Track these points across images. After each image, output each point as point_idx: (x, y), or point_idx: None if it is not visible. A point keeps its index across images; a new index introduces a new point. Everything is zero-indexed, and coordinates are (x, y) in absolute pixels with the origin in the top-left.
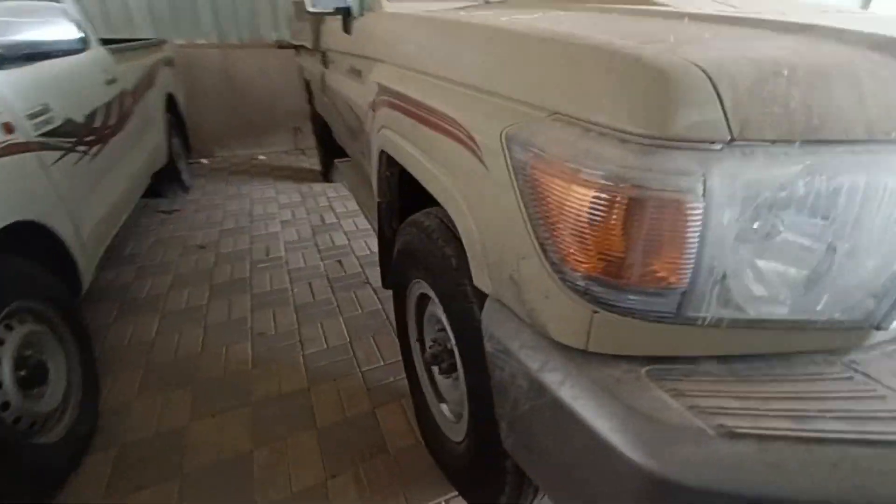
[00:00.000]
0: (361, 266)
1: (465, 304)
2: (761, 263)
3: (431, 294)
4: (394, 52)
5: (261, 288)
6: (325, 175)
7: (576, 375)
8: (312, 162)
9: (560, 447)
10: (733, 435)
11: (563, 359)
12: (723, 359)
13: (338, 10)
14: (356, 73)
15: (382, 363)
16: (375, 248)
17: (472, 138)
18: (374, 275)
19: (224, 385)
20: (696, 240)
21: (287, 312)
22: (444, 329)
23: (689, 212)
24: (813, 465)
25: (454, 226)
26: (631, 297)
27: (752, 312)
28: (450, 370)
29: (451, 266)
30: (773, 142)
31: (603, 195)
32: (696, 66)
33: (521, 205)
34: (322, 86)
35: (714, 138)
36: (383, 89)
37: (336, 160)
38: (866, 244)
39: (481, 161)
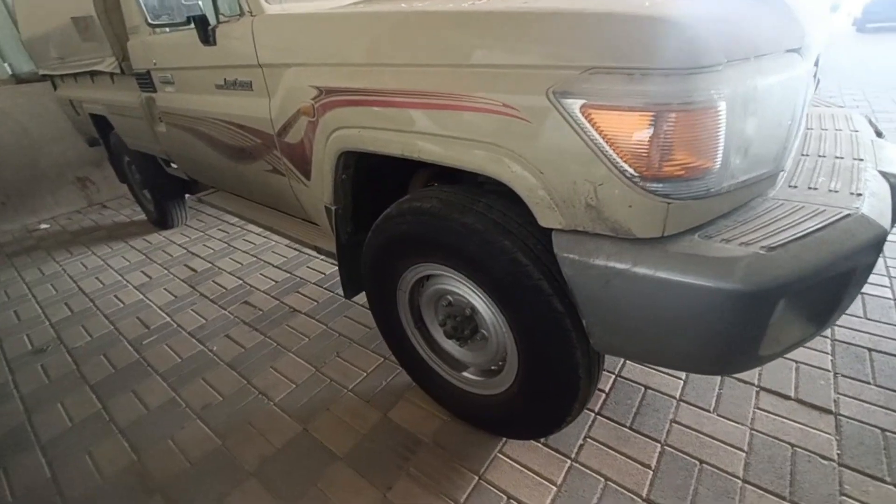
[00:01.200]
0: (276, 298)
1: (506, 256)
2: (745, 141)
3: (446, 271)
4: (328, 52)
5: (166, 364)
6: (162, 222)
7: (662, 257)
8: (129, 213)
9: (666, 313)
10: (772, 249)
11: (647, 250)
12: (726, 215)
13: (191, 20)
14: (242, 86)
15: (365, 374)
16: (279, 279)
17: (506, 105)
18: (297, 301)
19: (200, 473)
20: (723, 132)
21: (221, 373)
22: (451, 304)
23: (719, 113)
24: (807, 250)
25: (469, 198)
26: (688, 184)
27: (742, 178)
28: (471, 335)
29: (476, 231)
30: (740, 60)
31: (670, 114)
32: (695, 20)
33: (591, 143)
34: (149, 114)
35: (719, 63)
36: (330, 90)
37: (192, 196)
38: (781, 115)
39: (524, 119)
